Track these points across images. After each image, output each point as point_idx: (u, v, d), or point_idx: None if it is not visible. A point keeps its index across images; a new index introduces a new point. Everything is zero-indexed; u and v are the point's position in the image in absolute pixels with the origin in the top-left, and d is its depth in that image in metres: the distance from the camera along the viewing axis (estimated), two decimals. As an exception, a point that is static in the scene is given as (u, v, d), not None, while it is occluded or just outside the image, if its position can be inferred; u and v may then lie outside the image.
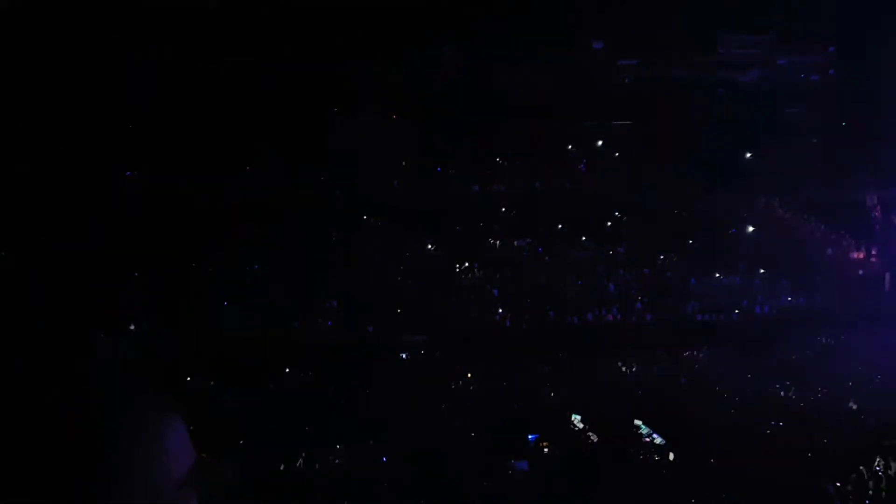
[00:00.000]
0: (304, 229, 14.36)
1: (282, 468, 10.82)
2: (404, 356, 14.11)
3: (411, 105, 14.83)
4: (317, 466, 11.15)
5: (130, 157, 14.07)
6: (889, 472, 10.66)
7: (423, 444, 11.72)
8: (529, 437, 12.18)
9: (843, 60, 15.40)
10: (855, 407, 12.64)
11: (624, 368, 13.19)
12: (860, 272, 17.53)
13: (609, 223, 15.52)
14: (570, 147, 15.64)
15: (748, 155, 17.04)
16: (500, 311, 14.56)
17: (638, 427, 12.09)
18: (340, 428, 11.84)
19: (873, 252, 17.91)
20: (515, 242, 15.50)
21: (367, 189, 14.87)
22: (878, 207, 18.22)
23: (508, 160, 15.48)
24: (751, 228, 17.20)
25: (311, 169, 14.87)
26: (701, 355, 13.89)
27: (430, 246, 15.40)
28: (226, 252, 13.98)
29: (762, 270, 16.34)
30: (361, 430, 11.90)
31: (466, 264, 15.64)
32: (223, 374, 11.91)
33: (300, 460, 11.06)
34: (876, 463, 10.42)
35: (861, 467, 10.72)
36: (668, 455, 11.59)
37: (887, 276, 17.15)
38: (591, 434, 12.14)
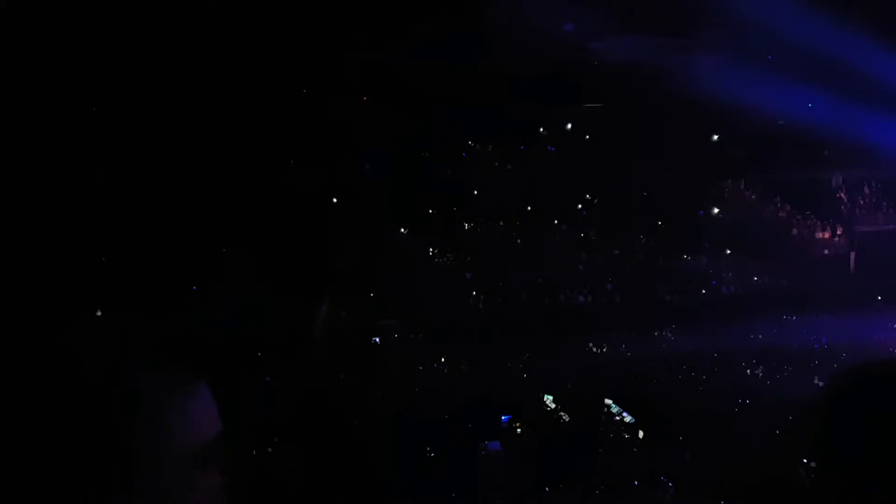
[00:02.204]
0: (275, 213, 14.27)
1: (253, 454, 10.83)
2: (376, 340, 14.14)
3: (383, 88, 14.74)
4: (287, 453, 11.19)
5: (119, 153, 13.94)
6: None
7: (396, 427, 11.80)
8: (502, 418, 12.33)
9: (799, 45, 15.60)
10: (821, 384, 12.93)
11: (595, 349, 13.37)
12: (826, 252, 17.90)
13: (580, 206, 15.64)
14: (541, 130, 15.70)
15: (715, 137, 17.24)
16: (474, 293, 14.65)
17: (608, 406, 12.29)
18: (312, 413, 11.86)
19: (839, 232, 18.26)
20: (488, 226, 15.56)
21: (337, 172, 14.79)
22: (844, 188, 18.57)
23: (480, 144, 15.50)
24: (716, 210, 17.44)
25: (282, 152, 14.75)
26: (669, 335, 14.12)
27: (402, 230, 15.40)
28: (195, 237, 13.88)
29: (729, 251, 16.59)
30: (334, 414, 11.94)
31: (438, 248, 15.68)
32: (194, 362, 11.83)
33: (270, 447, 11.09)
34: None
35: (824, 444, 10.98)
36: (637, 433, 11.81)
37: (852, 255, 17.54)
38: (562, 414, 12.32)
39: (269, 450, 11.02)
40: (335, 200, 15.26)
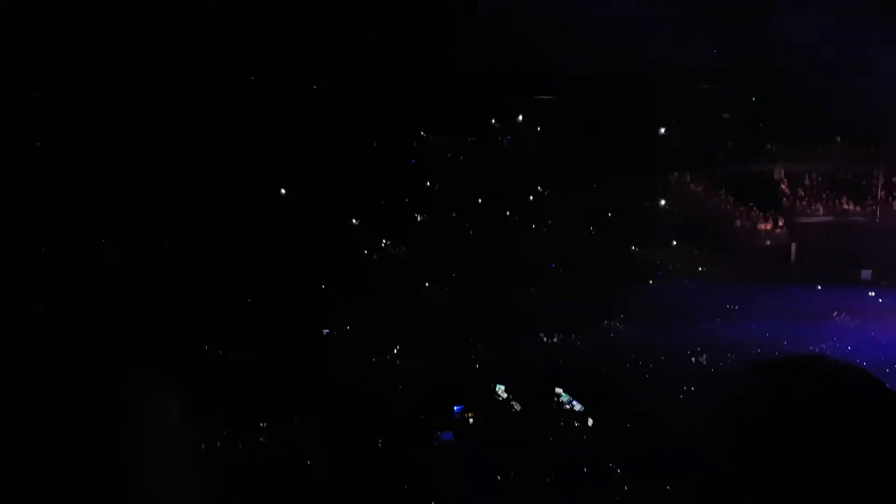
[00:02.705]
0: (224, 205, 14.07)
1: (203, 447, 10.71)
2: (326, 332, 14.07)
3: (337, 77, 14.62)
4: (240, 446, 11.10)
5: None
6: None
7: (349, 418, 11.77)
8: (455, 408, 12.39)
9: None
10: (762, 373, 13.32)
11: (546, 339, 13.52)
12: (767, 242, 18.42)
13: (531, 197, 15.77)
14: (493, 121, 15.77)
15: (662, 130, 17.55)
16: (427, 285, 14.66)
17: (559, 395, 12.46)
18: (266, 406, 11.76)
19: (780, 223, 18.82)
20: (441, 217, 15.59)
21: (289, 164, 14.63)
22: (785, 181, 19.13)
23: (433, 135, 15.50)
24: (663, 202, 17.79)
25: (232, 143, 14.53)
26: (618, 325, 14.36)
27: (354, 220, 15.32)
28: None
29: (675, 242, 16.94)
30: (288, 407, 11.86)
31: (391, 240, 15.65)
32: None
33: (223, 440, 10.98)
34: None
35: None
36: (587, 421, 12.00)
37: (793, 245, 18.10)
38: (514, 403, 12.44)
39: (219, 444, 10.91)
40: (284, 192, 15.11)
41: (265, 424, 11.59)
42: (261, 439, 11.42)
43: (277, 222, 14.48)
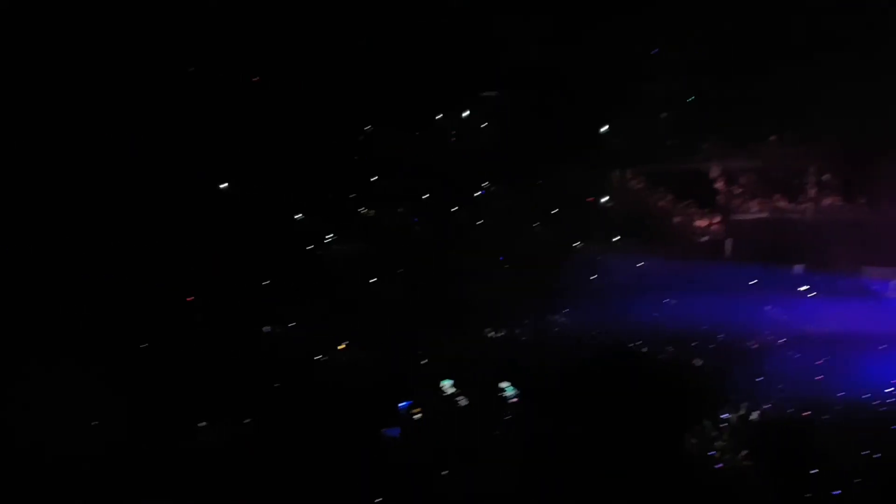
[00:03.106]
0: (160, 198, 13.65)
1: (140, 449, 10.42)
2: (267, 329, 13.82)
3: (276, 70, 14.34)
4: (180, 445, 10.84)
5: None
6: (730, 423, 11.67)
7: (291, 416, 11.61)
8: (400, 404, 12.34)
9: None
10: (700, 363, 13.72)
11: (492, 333, 13.59)
12: (704, 239, 18.93)
13: (478, 193, 15.80)
14: (439, 116, 15.73)
15: (604, 128, 17.81)
16: (373, 280, 14.54)
17: (505, 389, 12.54)
18: (204, 405, 11.51)
19: (716, 220, 19.37)
20: (386, 211, 15.47)
21: (227, 156, 14.28)
22: (722, 179, 19.67)
23: (378, 129, 15.35)
24: (604, 199, 18.07)
25: (167, 136, 14.10)
26: (563, 319, 14.54)
27: (297, 215, 15.07)
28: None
29: (617, 238, 17.23)
30: (226, 407, 11.63)
31: (334, 234, 15.46)
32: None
33: (159, 441, 10.70)
34: (720, 414, 11.34)
35: (706, 420, 11.69)
36: (532, 413, 12.12)
37: (728, 241, 18.64)
38: (460, 398, 12.47)
39: (155, 445, 10.61)
40: (223, 186, 14.75)
41: (203, 424, 11.34)
42: (199, 439, 11.17)
43: (217, 216, 14.13)
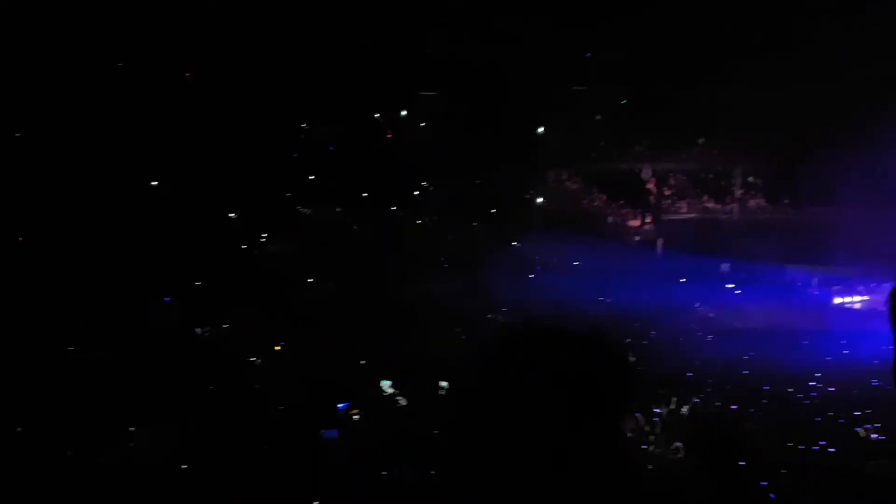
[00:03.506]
0: (87, 198, 13.19)
1: (69, 453, 10.06)
2: (200, 332, 13.50)
3: (213, 65, 14.01)
4: (106, 451, 10.50)
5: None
6: (661, 417, 11.97)
7: (227, 419, 11.39)
8: (339, 405, 12.24)
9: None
10: (633, 359, 13.97)
11: (430, 333, 13.57)
12: (637, 238, 19.45)
13: (416, 192, 15.82)
14: (376, 115, 15.67)
15: (540, 130, 18.06)
16: (309, 280, 14.37)
17: (443, 387, 12.56)
18: (135, 409, 11.17)
19: (648, 220, 19.91)
20: (324, 211, 15.32)
21: (163, 153, 13.89)
22: (653, 180, 20.24)
23: (313, 127, 15.18)
24: (540, 199, 18.36)
25: (94, 132, 13.63)
26: (499, 317, 14.67)
27: (230, 214, 14.77)
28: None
29: (553, 237, 17.52)
30: (159, 411, 11.31)
31: (270, 234, 15.22)
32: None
33: (89, 447, 10.34)
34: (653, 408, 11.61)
35: (637, 414, 11.95)
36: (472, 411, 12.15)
37: (660, 241, 19.19)
38: (399, 398, 12.44)
39: (85, 450, 10.25)
40: (154, 184, 14.34)
41: (134, 429, 11.01)
42: (130, 444, 10.84)
43: (148, 215, 13.72)
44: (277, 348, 13.25)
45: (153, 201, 13.94)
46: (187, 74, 14.84)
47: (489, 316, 13.93)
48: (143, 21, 13.43)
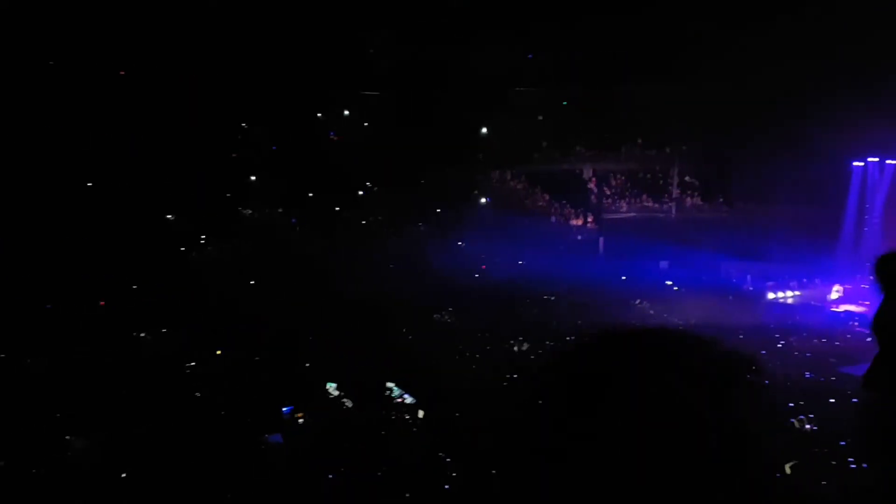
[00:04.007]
0: (27, 201, 12.71)
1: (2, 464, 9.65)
2: (143, 335, 13.13)
3: (154, 67, 13.65)
4: (48, 459, 10.12)
5: None
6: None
7: (167, 426, 11.09)
8: (283, 409, 12.03)
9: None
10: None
11: (376, 334, 13.48)
12: (579, 237, 19.70)
13: (361, 192, 15.70)
14: (318, 115, 15.50)
15: (484, 130, 18.17)
16: (252, 282, 14.10)
17: (390, 389, 12.48)
18: (70, 417, 10.79)
19: (589, 219, 20.21)
20: (266, 211, 15.06)
21: (98, 153, 13.47)
22: (594, 180, 20.57)
23: (256, 126, 14.94)
24: (484, 199, 18.46)
25: (33, 136, 13.15)
26: (447, 317, 14.68)
27: (169, 216, 14.42)
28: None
29: (497, 237, 17.63)
30: (95, 418, 10.95)
31: (210, 236, 14.91)
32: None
33: (23, 458, 9.93)
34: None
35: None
36: (417, 413, 12.13)
37: (601, 239, 19.49)
38: (345, 400, 12.30)
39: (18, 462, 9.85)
40: (90, 185, 13.90)
41: (70, 437, 10.63)
42: (67, 454, 10.46)
43: (83, 218, 13.29)
44: (218, 353, 12.96)
45: (87, 202, 13.51)
46: (121, 73, 14.43)
47: (435, 316, 13.93)
48: (76, 22, 13.01)
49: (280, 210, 15.10)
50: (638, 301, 17.26)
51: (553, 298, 16.07)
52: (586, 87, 17.90)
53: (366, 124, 15.97)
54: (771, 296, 17.74)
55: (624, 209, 20.28)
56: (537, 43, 17.09)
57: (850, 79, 14.34)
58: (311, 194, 14.91)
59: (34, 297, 12.34)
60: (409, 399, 12.38)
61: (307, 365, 12.70)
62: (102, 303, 13.35)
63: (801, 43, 14.26)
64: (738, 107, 16.41)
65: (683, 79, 15.98)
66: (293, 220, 14.93)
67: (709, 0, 15.69)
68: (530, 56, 17.53)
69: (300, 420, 11.98)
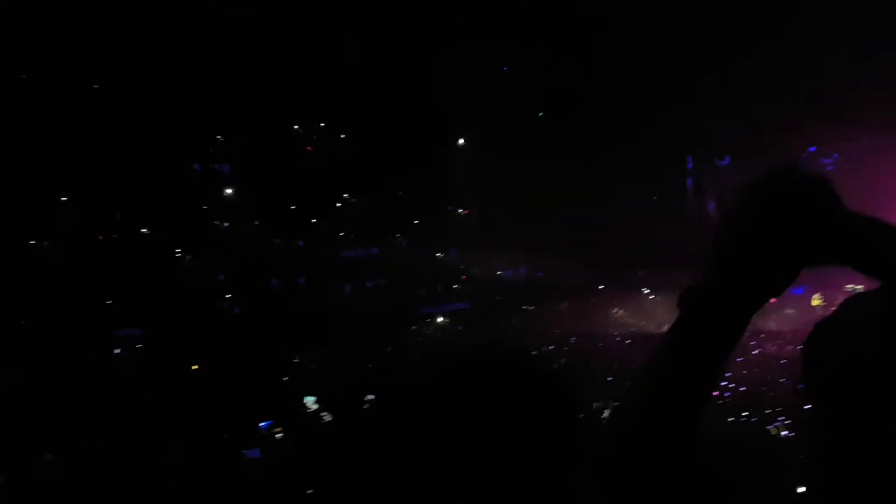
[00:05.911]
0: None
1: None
2: (118, 351, 13.00)
3: (127, 78, 13.55)
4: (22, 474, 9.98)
5: None
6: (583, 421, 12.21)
7: (143, 440, 10.99)
8: (261, 424, 11.95)
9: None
10: (556, 365, 14.23)
11: (357, 345, 13.45)
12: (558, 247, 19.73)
13: (338, 204, 15.67)
14: (295, 127, 15.47)
15: (461, 141, 18.22)
16: (228, 296, 13.99)
17: (370, 402, 12.44)
18: (50, 432, 10.65)
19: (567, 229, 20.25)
20: (242, 223, 14.98)
21: (71, 167, 13.33)
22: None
23: (231, 138, 14.86)
24: (461, 210, 18.50)
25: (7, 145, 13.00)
26: (426, 328, 14.69)
27: (143, 230, 14.29)
28: None
29: (475, 247, 17.69)
30: (69, 433, 10.81)
31: (185, 249, 14.79)
32: None
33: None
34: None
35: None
36: (399, 425, 12.10)
37: (579, 248, 19.53)
38: (324, 414, 12.25)
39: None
40: (65, 199, 13.75)
41: (50, 456, 10.50)
42: (46, 469, 10.33)
43: (55, 231, 13.14)
44: (195, 367, 12.85)
45: (61, 213, 13.36)
46: (95, 86, 14.30)
47: (413, 327, 13.93)
48: (42, 28, 12.89)
49: (256, 222, 15.03)
50: (615, 310, 17.34)
51: (532, 307, 16.13)
52: (564, 98, 18.03)
53: (342, 136, 15.96)
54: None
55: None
56: (514, 54, 17.20)
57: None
58: (289, 207, 14.87)
59: (4, 310, 12.18)
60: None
61: (285, 378, 12.64)
62: (78, 320, 13.18)
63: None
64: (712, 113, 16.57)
65: (658, 90, 16.13)
66: (270, 232, 14.78)
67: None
68: (506, 69, 17.63)
69: (278, 435, 11.89)
